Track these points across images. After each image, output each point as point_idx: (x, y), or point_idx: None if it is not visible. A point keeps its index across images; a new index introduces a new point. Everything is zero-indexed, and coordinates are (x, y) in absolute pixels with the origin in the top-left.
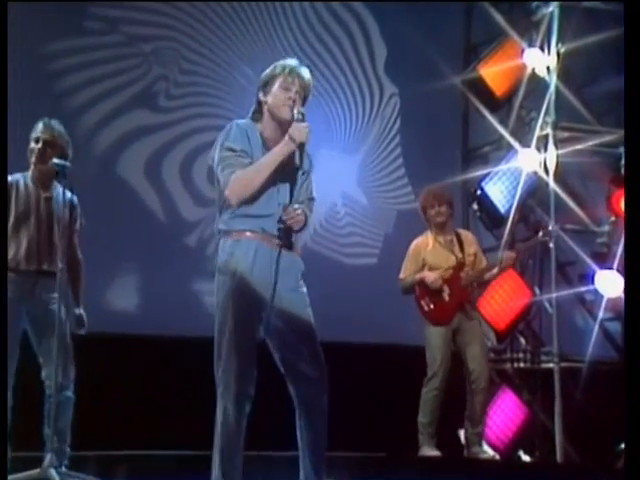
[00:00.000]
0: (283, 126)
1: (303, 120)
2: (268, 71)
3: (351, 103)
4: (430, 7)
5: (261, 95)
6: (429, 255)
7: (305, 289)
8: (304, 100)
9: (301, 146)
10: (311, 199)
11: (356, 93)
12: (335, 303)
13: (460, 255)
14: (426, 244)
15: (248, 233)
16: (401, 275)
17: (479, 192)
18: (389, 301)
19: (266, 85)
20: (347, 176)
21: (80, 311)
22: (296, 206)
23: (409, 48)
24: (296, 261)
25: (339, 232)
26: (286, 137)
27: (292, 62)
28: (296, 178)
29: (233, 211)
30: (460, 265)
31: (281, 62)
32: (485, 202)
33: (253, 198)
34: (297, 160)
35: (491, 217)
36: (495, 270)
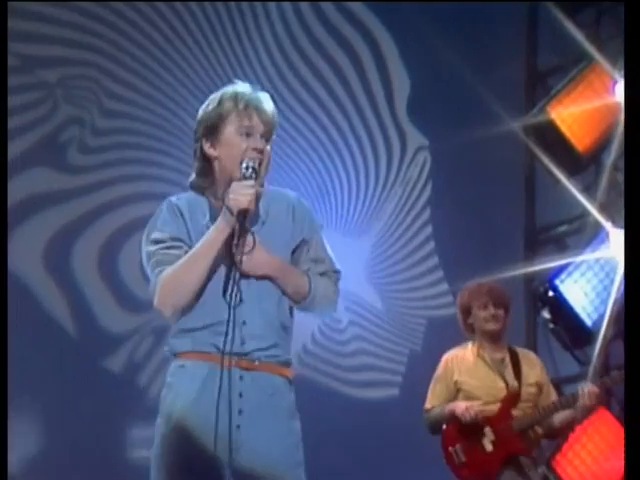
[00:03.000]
0: None
1: (252, 177)
2: (211, 107)
3: (358, 162)
4: (475, 18)
5: (206, 146)
6: (467, 377)
7: (296, 435)
8: (267, 141)
9: (240, 216)
10: (334, 271)
11: (365, 147)
12: (334, 457)
13: (514, 383)
14: (464, 360)
15: (195, 355)
16: (427, 404)
17: (552, 293)
18: (417, 456)
19: (212, 130)
20: (352, 269)
21: None
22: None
23: (444, 80)
24: (277, 385)
25: (341, 350)
26: (223, 210)
27: (244, 88)
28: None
29: (176, 325)
30: (513, 398)
31: (227, 91)
32: (561, 308)
33: (190, 305)
34: (240, 240)
35: (571, 330)
36: (572, 412)
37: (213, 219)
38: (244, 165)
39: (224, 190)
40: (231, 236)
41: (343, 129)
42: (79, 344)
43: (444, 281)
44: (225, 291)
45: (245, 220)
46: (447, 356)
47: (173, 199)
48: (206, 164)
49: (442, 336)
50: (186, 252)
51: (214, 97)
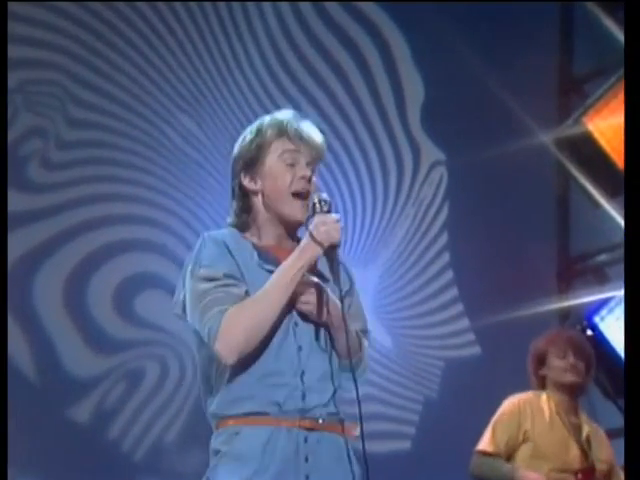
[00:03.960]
0: (291, 227)
1: (329, 211)
2: (249, 138)
3: (363, 180)
4: (499, 16)
5: (246, 181)
6: (542, 430)
7: None
8: (313, 172)
9: (332, 251)
10: (365, 331)
11: (372, 162)
12: None
13: (591, 455)
14: (540, 411)
15: (254, 419)
16: (485, 447)
17: (590, 332)
18: None
19: (252, 163)
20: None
21: None
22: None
23: (463, 85)
24: (342, 447)
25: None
26: (305, 238)
27: (288, 115)
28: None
29: (227, 379)
30: (590, 472)
31: (271, 119)
32: (602, 350)
33: (259, 351)
34: (328, 274)
35: (613, 376)
36: None
37: (263, 260)
38: (315, 200)
39: (267, 227)
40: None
41: (346, 141)
42: (40, 390)
43: (464, 316)
44: (294, 332)
45: (335, 255)
46: (516, 399)
47: (214, 234)
48: (246, 201)
49: (462, 381)
50: (247, 292)
51: (251, 128)
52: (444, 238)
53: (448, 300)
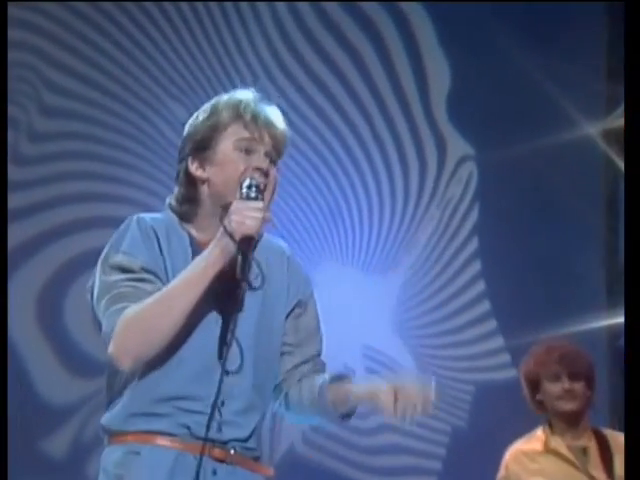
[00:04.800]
0: None
1: (257, 198)
2: (202, 118)
3: (381, 178)
4: None
5: (193, 167)
6: (539, 474)
7: None
8: (273, 163)
9: (245, 244)
10: (319, 354)
11: (391, 158)
12: None
13: (603, 478)
14: (533, 458)
15: (158, 439)
16: None
17: None
18: None
19: (202, 146)
20: (375, 317)
21: None
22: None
23: (496, 70)
24: None
25: (358, 425)
26: (219, 231)
27: (248, 95)
28: (251, 313)
29: (132, 390)
30: None
31: (229, 98)
32: None
33: (162, 360)
34: (245, 276)
35: None
36: None
37: (195, 253)
38: (246, 183)
39: (212, 222)
40: (227, 271)
41: (362, 135)
42: (10, 418)
43: (498, 334)
44: (220, 354)
45: (249, 250)
46: (510, 454)
47: (146, 217)
48: (191, 189)
49: (495, 408)
50: (159, 288)
51: (205, 107)
52: (474, 244)
53: (479, 316)
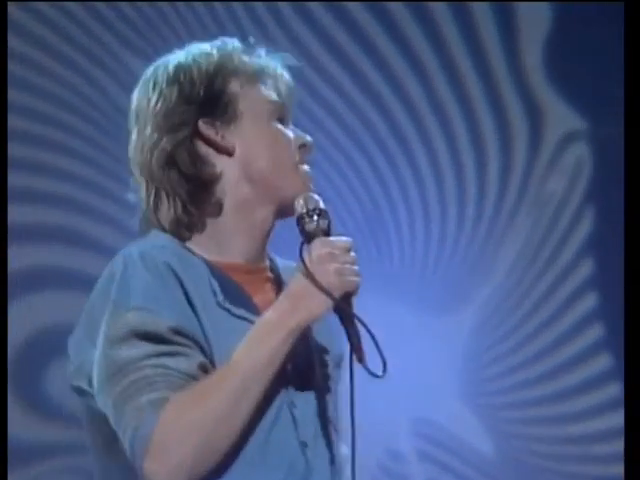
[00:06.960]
0: (266, 231)
1: (329, 227)
2: (207, 66)
3: (442, 165)
4: None
5: (212, 133)
6: None
7: None
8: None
9: (345, 302)
10: None
11: (459, 135)
12: None
13: None
14: None
15: None
16: None
17: None
18: None
19: (216, 104)
20: (435, 375)
21: None
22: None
23: (614, 15)
24: None
25: None
26: (298, 279)
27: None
28: (326, 387)
29: None
30: None
31: (229, 44)
32: None
33: (225, 466)
34: (361, 354)
35: None
36: None
37: (227, 294)
38: (303, 207)
39: (235, 233)
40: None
41: (418, 105)
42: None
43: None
44: (280, 425)
45: (351, 310)
46: None
47: (145, 250)
48: (199, 184)
49: None
50: (201, 364)
51: (216, 46)
52: (589, 261)
53: (599, 373)
